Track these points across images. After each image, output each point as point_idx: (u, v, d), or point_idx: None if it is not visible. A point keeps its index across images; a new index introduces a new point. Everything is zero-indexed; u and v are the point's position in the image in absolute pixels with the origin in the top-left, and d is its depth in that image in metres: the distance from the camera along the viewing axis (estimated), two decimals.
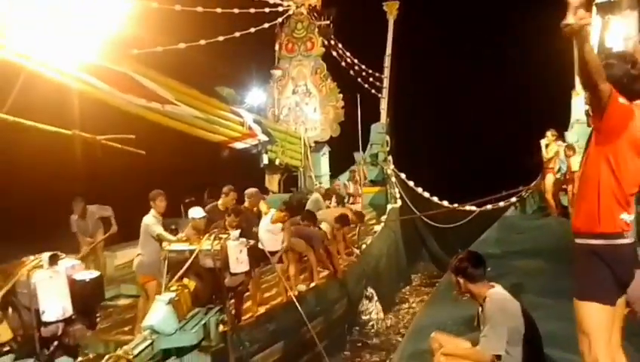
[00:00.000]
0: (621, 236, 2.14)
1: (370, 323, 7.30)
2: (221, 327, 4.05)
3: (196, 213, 5.20)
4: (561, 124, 10.44)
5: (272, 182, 9.09)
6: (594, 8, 7.73)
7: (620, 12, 6.91)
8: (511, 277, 3.18)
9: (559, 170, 8.72)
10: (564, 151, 8.47)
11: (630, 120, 2.11)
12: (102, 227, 6.42)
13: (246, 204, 5.92)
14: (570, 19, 1.81)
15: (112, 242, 7.19)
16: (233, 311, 4.57)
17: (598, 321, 2.16)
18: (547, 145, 8.67)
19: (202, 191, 8.45)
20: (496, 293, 2.83)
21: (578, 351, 2.19)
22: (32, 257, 3.13)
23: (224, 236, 4.13)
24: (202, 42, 7.18)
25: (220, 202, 6.06)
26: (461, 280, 2.88)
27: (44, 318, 2.94)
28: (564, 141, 9.19)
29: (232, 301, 4.52)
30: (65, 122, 4.64)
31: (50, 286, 2.95)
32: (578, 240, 2.20)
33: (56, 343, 3.09)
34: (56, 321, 2.97)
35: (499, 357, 2.74)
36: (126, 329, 5.25)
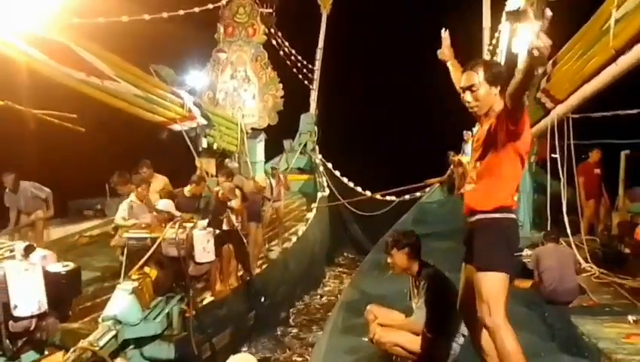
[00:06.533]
0: (513, 210, 2.51)
1: None
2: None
3: (164, 205, 5.05)
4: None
5: (210, 166, 8.98)
6: (503, 15, 8.50)
7: (527, 20, 7.51)
8: (429, 255, 3.50)
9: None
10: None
11: (527, 125, 2.45)
12: (42, 207, 6.09)
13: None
14: (540, 42, 1.89)
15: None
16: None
17: (501, 289, 2.32)
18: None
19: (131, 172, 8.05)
20: (431, 269, 3.14)
21: None
22: None
23: (189, 225, 4.15)
24: (146, 17, 6.78)
25: (187, 189, 5.98)
26: (412, 256, 3.09)
27: (17, 313, 2.78)
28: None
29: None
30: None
31: (26, 279, 2.79)
32: (484, 216, 2.42)
33: (25, 338, 2.95)
34: (31, 316, 2.83)
35: None
36: None
